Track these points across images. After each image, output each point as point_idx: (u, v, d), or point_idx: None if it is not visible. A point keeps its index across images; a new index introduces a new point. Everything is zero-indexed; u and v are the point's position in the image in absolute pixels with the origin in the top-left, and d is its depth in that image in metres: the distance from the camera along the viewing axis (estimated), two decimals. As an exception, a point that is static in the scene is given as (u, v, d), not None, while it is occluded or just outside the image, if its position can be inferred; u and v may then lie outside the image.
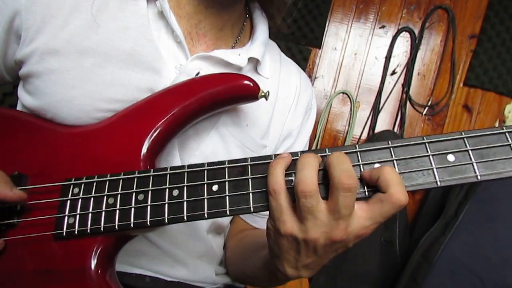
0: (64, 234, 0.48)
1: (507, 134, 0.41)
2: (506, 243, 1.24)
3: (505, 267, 1.21)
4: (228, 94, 0.56)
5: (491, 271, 1.22)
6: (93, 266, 0.47)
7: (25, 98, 0.59)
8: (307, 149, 0.79)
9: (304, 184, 0.38)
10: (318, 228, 0.40)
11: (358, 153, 0.43)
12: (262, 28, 0.68)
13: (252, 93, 0.56)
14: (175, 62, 0.60)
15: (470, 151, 0.41)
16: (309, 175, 0.39)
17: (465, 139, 0.42)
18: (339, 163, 0.39)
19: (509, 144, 0.41)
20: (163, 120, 0.53)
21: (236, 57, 0.62)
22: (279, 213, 0.41)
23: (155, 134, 0.53)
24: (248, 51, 0.65)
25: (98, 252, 0.48)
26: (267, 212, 0.44)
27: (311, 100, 0.77)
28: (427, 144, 0.42)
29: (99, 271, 0.47)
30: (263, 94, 0.57)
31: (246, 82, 0.56)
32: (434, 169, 0.41)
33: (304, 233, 0.40)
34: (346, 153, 0.43)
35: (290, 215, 0.41)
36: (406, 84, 1.61)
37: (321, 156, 0.43)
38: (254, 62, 0.67)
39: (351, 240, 0.41)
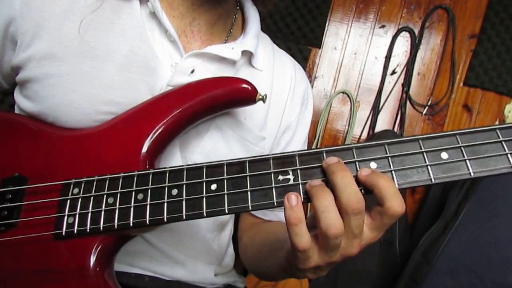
0: (63, 233, 0.48)
1: (498, 131, 0.42)
2: (506, 242, 1.24)
3: (505, 267, 1.21)
4: (226, 97, 0.56)
5: (491, 270, 1.22)
6: (91, 265, 0.47)
7: (24, 103, 0.59)
8: (307, 142, 0.80)
9: (334, 228, 0.39)
10: (339, 253, 0.42)
11: (354, 150, 0.44)
12: (253, 20, 0.68)
13: (250, 96, 0.57)
14: (170, 60, 0.60)
15: (462, 148, 0.42)
16: (335, 217, 0.40)
17: (457, 136, 0.43)
18: (346, 186, 0.40)
19: (501, 141, 0.42)
20: (163, 122, 0.54)
21: (230, 51, 0.62)
22: (307, 259, 0.42)
23: (155, 135, 0.53)
24: (241, 44, 0.65)
25: (98, 250, 0.48)
26: None
27: (307, 90, 0.78)
28: (420, 141, 0.43)
29: (98, 269, 0.48)
30: (260, 97, 0.57)
31: (244, 85, 0.56)
32: (428, 166, 0.42)
33: (327, 260, 0.43)
34: (342, 150, 0.44)
35: (316, 252, 0.42)
36: (406, 84, 1.61)
37: (318, 153, 0.45)
38: (248, 55, 0.67)
39: (362, 248, 0.44)
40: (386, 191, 0.39)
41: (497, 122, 1.58)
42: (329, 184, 0.42)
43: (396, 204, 0.39)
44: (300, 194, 0.43)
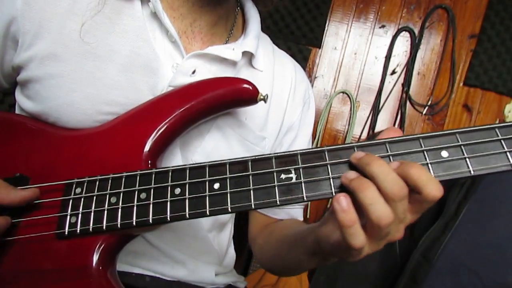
0: (66, 233, 0.48)
1: (497, 129, 0.43)
2: (506, 242, 1.24)
3: (505, 266, 1.21)
4: (227, 97, 0.57)
5: (491, 270, 1.22)
6: (94, 264, 0.48)
7: (25, 103, 0.59)
8: (311, 141, 0.80)
9: (385, 218, 0.39)
10: (386, 239, 0.42)
11: (355, 149, 0.44)
12: (254, 21, 0.69)
13: (251, 96, 0.57)
14: (172, 61, 0.60)
15: (462, 147, 0.42)
16: (384, 208, 0.39)
17: (457, 135, 0.43)
18: (386, 175, 0.39)
19: (500, 139, 0.42)
20: (165, 122, 0.54)
21: (231, 52, 0.62)
22: (360, 253, 0.42)
23: (157, 135, 0.53)
24: (242, 45, 0.65)
25: (100, 250, 0.48)
26: None
27: (308, 91, 0.78)
28: (421, 140, 0.43)
29: (101, 268, 0.48)
30: (262, 97, 0.57)
31: (246, 85, 0.56)
32: (429, 164, 0.42)
33: (376, 248, 0.42)
34: (343, 149, 0.45)
35: (368, 244, 0.42)
36: (406, 83, 1.61)
37: (320, 152, 0.45)
38: (249, 56, 0.67)
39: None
40: (420, 180, 0.39)
41: (497, 122, 1.58)
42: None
43: (433, 189, 0.38)
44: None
